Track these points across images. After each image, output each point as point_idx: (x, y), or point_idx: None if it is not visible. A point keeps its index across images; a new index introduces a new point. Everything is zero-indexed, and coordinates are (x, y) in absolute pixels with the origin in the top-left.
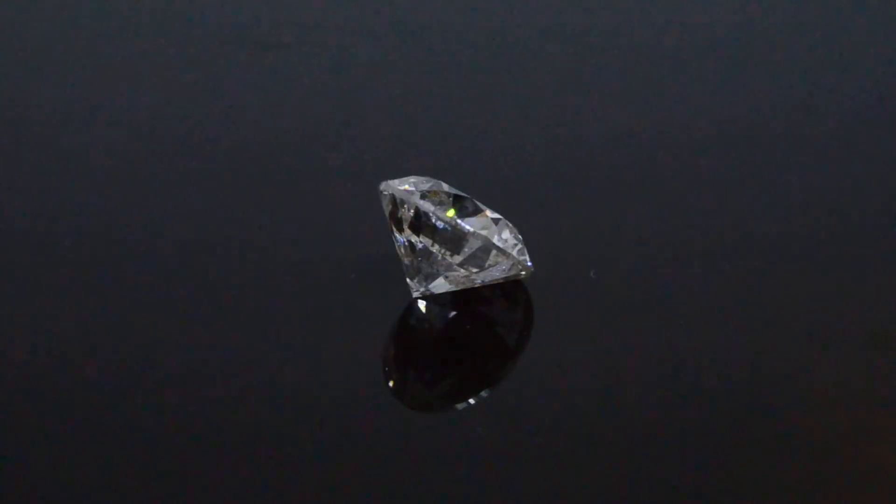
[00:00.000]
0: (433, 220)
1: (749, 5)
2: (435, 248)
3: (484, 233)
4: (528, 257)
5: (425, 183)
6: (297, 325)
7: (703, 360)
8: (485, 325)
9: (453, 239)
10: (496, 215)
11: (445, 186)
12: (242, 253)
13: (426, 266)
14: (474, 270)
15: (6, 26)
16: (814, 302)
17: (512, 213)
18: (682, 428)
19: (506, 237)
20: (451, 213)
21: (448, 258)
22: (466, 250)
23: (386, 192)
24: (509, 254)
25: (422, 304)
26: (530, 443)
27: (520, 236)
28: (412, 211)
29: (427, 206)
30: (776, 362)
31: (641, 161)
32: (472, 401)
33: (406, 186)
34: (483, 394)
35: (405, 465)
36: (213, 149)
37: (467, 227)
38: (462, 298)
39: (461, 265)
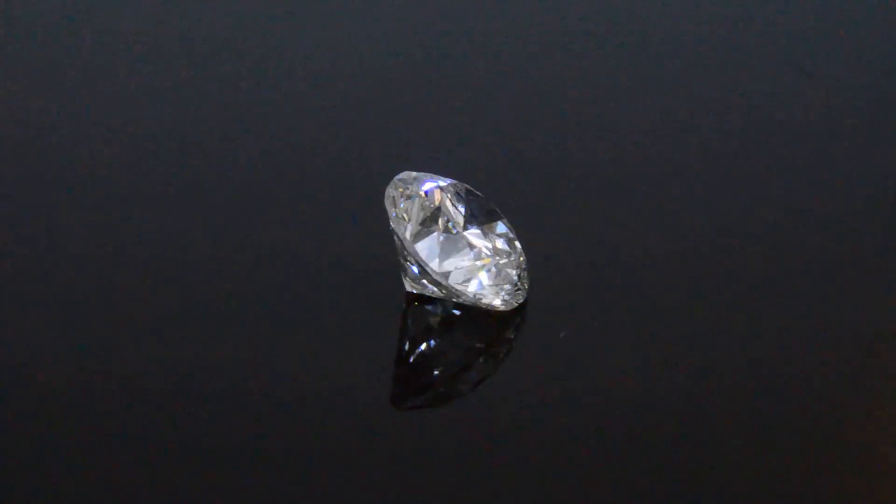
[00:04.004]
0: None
1: (753, 6)
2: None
3: (479, 286)
4: (524, 292)
5: (437, 192)
6: (294, 323)
7: (706, 369)
8: (479, 324)
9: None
10: (486, 244)
11: (457, 195)
12: (244, 252)
13: (418, 272)
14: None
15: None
16: (818, 317)
17: (515, 215)
18: (680, 430)
19: (502, 279)
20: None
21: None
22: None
23: (391, 192)
24: (499, 308)
25: (414, 302)
26: (526, 442)
27: (521, 258)
28: (406, 235)
29: (426, 251)
30: (778, 369)
31: (649, 168)
32: (460, 401)
33: (416, 195)
34: (472, 396)
35: (397, 465)
36: (212, 151)
37: (464, 291)
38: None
39: (451, 286)
